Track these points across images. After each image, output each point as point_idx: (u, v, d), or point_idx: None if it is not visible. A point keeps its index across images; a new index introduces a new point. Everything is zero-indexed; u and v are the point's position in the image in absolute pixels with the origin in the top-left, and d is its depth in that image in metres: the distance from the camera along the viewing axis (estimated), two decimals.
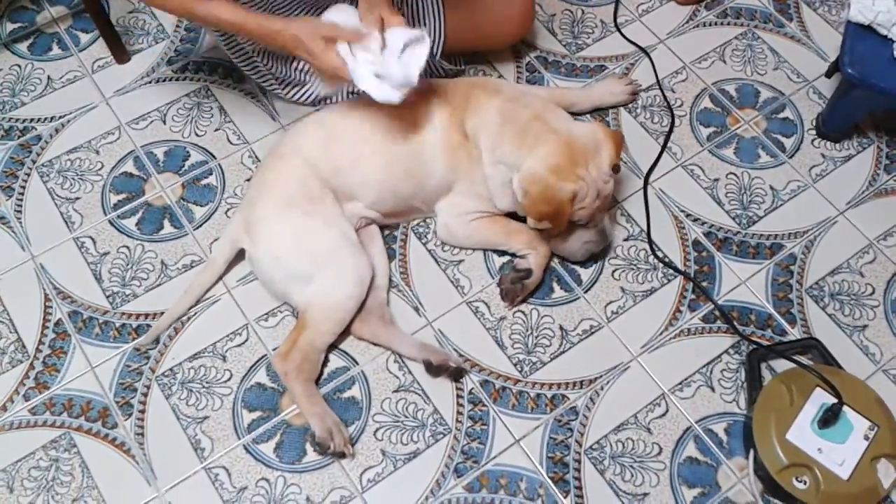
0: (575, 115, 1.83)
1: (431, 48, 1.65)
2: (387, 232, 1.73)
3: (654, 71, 1.96)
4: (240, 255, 1.65)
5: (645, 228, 1.75)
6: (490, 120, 1.60)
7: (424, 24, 1.78)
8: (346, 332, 1.59)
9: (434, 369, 1.56)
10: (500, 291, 1.66)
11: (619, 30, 2.03)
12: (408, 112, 1.60)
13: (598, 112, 1.89)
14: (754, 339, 1.62)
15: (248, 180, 1.79)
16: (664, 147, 1.85)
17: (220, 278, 1.66)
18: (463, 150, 1.61)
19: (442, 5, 1.78)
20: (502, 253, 1.71)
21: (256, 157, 1.82)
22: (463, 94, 1.64)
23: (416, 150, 1.61)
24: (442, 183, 1.65)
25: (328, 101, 1.84)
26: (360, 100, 1.66)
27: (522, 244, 1.66)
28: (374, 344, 1.60)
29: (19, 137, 1.85)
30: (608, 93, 1.89)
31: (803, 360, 1.58)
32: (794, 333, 1.64)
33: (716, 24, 2.06)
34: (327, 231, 1.57)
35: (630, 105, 1.91)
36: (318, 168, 1.60)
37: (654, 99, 1.92)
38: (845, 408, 1.45)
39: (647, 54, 1.98)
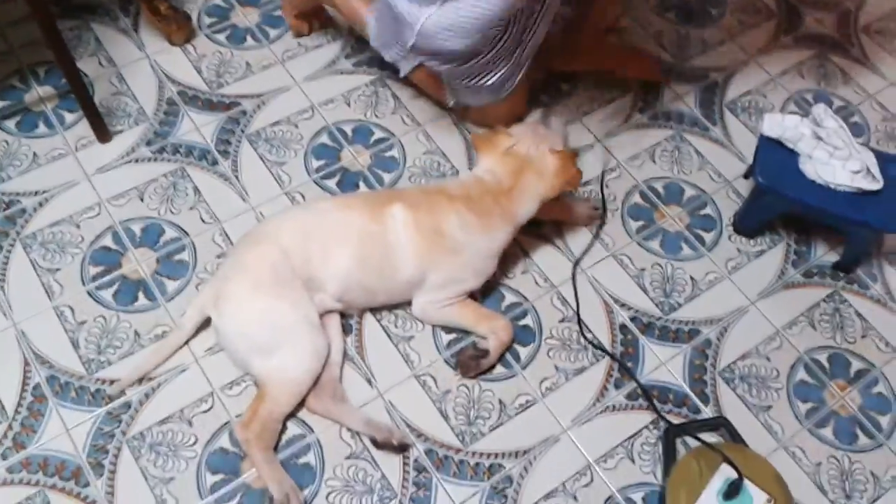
0: (531, 224, 1.98)
1: None
2: None
3: (604, 164, 2.16)
4: (207, 323, 1.78)
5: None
6: (464, 212, 1.79)
7: None
8: (302, 403, 1.73)
9: (379, 444, 1.70)
10: (458, 362, 1.82)
11: None
12: (378, 216, 1.78)
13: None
14: (671, 416, 1.80)
15: (219, 256, 1.93)
16: (596, 236, 2.05)
17: (187, 342, 1.80)
18: (437, 245, 1.78)
19: None
20: (451, 330, 1.87)
21: (227, 235, 1.97)
22: (424, 200, 1.81)
23: (387, 252, 1.77)
24: (413, 280, 1.80)
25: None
26: (340, 199, 1.91)
27: (487, 329, 1.83)
28: (326, 417, 1.74)
29: (5, 210, 1.97)
30: (569, 209, 2.04)
31: (714, 436, 1.76)
32: (708, 412, 1.82)
33: (648, 125, 2.28)
34: (292, 312, 1.71)
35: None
36: (292, 258, 1.73)
37: (590, 193, 2.13)
38: (746, 481, 1.63)
39: (604, 146, 2.20)
